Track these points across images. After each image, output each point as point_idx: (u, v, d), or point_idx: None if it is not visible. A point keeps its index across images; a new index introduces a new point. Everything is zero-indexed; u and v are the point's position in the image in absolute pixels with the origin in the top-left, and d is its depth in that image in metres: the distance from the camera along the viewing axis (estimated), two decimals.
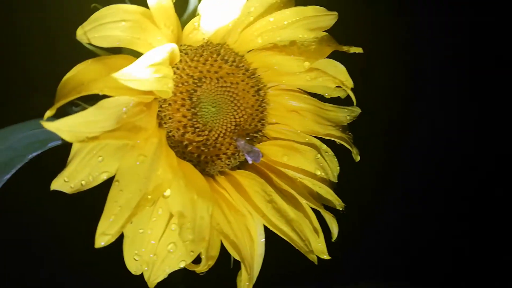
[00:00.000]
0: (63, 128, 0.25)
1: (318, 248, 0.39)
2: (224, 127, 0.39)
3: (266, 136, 0.42)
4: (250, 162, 0.39)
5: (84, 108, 0.28)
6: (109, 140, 0.27)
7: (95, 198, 0.31)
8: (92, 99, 0.28)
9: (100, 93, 0.27)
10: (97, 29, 0.28)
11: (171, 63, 0.31)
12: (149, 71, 0.27)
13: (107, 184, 0.30)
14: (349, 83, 0.37)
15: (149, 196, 0.30)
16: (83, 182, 0.30)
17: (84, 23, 0.28)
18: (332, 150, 0.42)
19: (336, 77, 0.37)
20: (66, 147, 0.33)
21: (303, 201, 0.39)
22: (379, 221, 0.50)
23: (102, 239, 0.29)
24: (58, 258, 0.42)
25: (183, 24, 0.34)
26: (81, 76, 0.27)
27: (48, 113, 0.25)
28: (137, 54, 0.29)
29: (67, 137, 0.25)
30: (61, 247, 0.42)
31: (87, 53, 0.30)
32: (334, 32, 0.38)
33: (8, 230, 0.41)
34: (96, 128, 0.26)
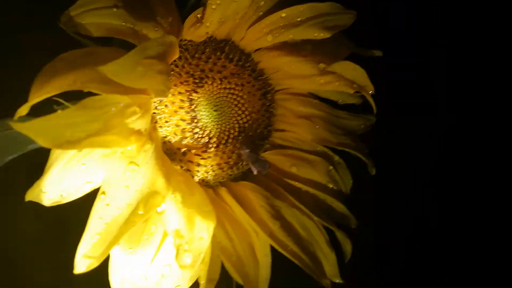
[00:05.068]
0: (38, 130, 0.20)
1: (330, 271, 0.35)
2: (227, 133, 0.35)
3: (272, 144, 0.38)
4: (255, 173, 0.35)
5: (65, 108, 0.24)
6: (94, 146, 0.23)
7: (78, 212, 0.26)
8: (76, 98, 0.24)
9: (85, 90, 0.22)
10: (85, 15, 0.24)
11: (169, 59, 0.27)
12: (142, 65, 0.23)
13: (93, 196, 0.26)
14: (370, 88, 0.33)
15: (141, 212, 0.26)
16: (63, 194, 0.26)
17: (70, 8, 0.24)
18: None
19: (354, 82, 0.33)
20: (48, 150, 0.29)
21: (314, 218, 0.35)
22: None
23: (83, 263, 0.24)
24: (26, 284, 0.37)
25: (184, 17, 0.31)
26: (63, 68, 0.23)
27: (20, 112, 0.21)
28: (129, 48, 0.25)
29: (42, 141, 0.21)
30: (31, 269, 0.37)
31: (71, 43, 0.26)
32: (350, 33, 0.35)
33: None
34: (78, 131, 0.22)
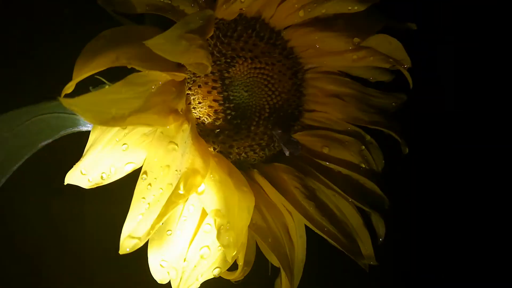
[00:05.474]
0: (85, 106, 0.20)
1: (365, 253, 0.34)
2: (258, 114, 0.34)
3: (302, 125, 0.37)
4: (287, 154, 0.35)
5: (103, 87, 0.23)
6: (137, 123, 0.23)
7: (117, 194, 0.26)
8: (114, 79, 0.24)
9: (128, 66, 0.22)
10: None
11: (206, 35, 0.27)
12: (185, 40, 0.23)
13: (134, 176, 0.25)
14: (407, 62, 0.32)
15: (181, 192, 0.26)
16: (103, 175, 0.26)
17: None
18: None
19: (390, 56, 0.32)
20: (81, 135, 0.28)
21: (348, 199, 0.34)
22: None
23: (128, 244, 0.24)
24: (68, 265, 0.37)
25: None
26: (105, 46, 0.22)
27: (66, 89, 0.21)
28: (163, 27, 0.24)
29: (89, 117, 0.20)
30: (72, 252, 0.37)
31: (109, 22, 0.25)
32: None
33: (12, 230, 0.37)
34: (122, 108, 0.22)
